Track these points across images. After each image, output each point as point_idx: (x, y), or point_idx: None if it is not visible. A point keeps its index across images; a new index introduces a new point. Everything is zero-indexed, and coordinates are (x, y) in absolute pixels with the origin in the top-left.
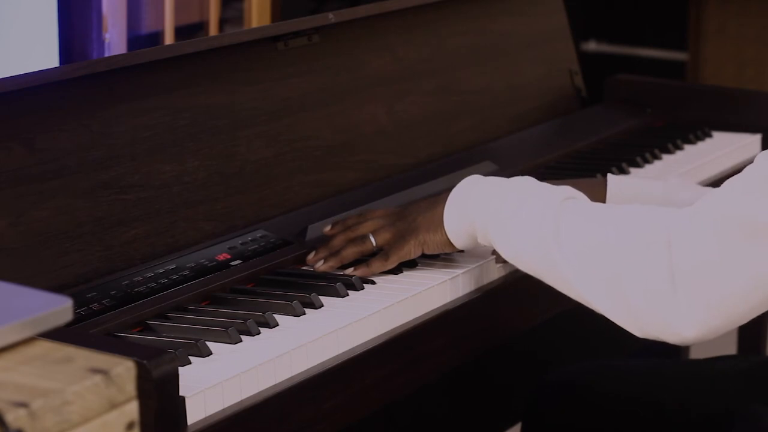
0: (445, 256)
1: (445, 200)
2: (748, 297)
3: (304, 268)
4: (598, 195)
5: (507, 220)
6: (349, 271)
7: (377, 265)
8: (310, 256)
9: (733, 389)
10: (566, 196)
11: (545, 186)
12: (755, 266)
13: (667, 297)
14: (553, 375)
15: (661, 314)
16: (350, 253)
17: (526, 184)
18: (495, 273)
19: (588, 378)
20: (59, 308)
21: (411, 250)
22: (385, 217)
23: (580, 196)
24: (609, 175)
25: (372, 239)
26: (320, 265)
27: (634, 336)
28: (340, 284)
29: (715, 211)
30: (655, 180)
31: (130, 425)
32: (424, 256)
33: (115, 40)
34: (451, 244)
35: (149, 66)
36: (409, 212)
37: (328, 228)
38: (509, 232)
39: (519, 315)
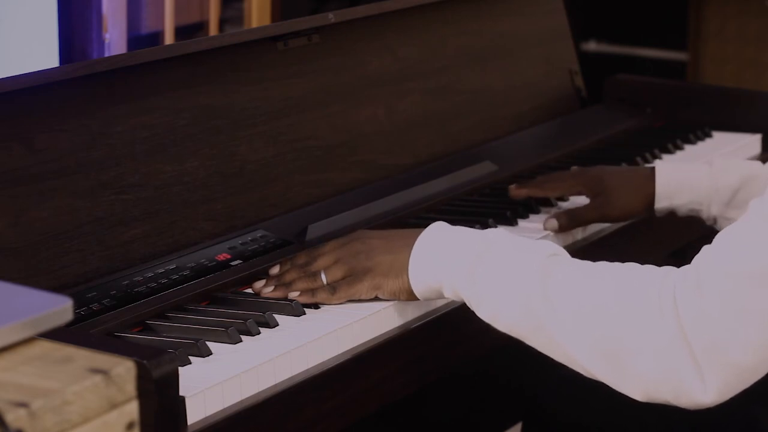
0: None
1: (410, 247)
2: None
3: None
4: (647, 187)
5: (484, 279)
6: (293, 295)
7: (322, 296)
8: (258, 284)
9: None
10: (549, 252)
11: (523, 241)
12: None
13: (683, 364)
14: (555, 373)
15: (675, 381)
16: (299, 287)
17: (501, 238)
18: None
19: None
20: (59, 308)
21: (362, 291)
22: (339, 253)
23: (562, 252)
24: (657, 164)
25: (323, 276)
26: (268, 292)
27: None
28: None
29: (719, 272)
30: (700, 165)
31: (130, 425)
32: None
33: (115, 40)
34: (411, 292)
35: (149, 66)
36: (366, 249)
37: (276, 268)
38: (487, 293)
39: None
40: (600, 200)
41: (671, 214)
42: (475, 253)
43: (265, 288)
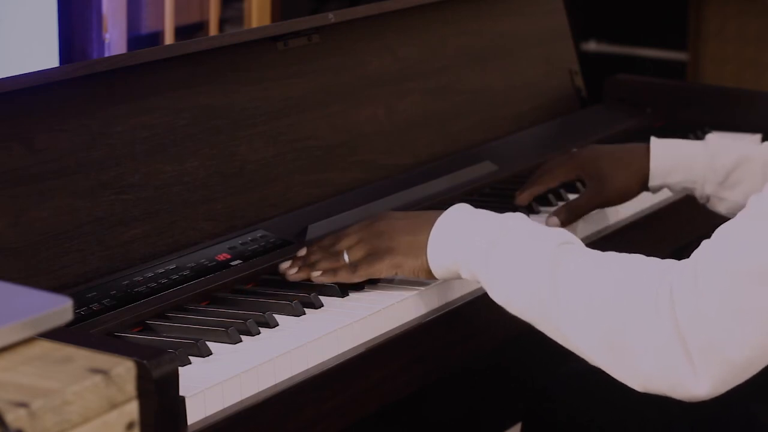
0: None
1: (430, 227)
2: (765, 344)
3: None
4: (642, 167)
5: (498, 263)
6: (315, 274)
7: (343, 275)
8: (284, 265)
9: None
10: (561, 240)
11: (540, 228)
12: None
13: (678, 360)
14: (556, 373)
15: (671, 376)
16: (322, 266)
17: (518, 223)
18: None
19: (592, 376)
20: (59, 308)
21: (383, 270)
22: (362, 233)
23: (575, 241)
24: (652, 141)
25: (345, 255)
26: (293, 273)
27: None
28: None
29: (717, 269)
30: (694, 142)
31: (130, 425)
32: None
33: (115, 40)
34: (429, 272)
35: (149, 66)
36: (388, 229)
37: (303, 250)
38: (500, 277)
39: None
40: (596, 187)
41: (671, 207)
42: (492, 237)
43: (290, 269)
